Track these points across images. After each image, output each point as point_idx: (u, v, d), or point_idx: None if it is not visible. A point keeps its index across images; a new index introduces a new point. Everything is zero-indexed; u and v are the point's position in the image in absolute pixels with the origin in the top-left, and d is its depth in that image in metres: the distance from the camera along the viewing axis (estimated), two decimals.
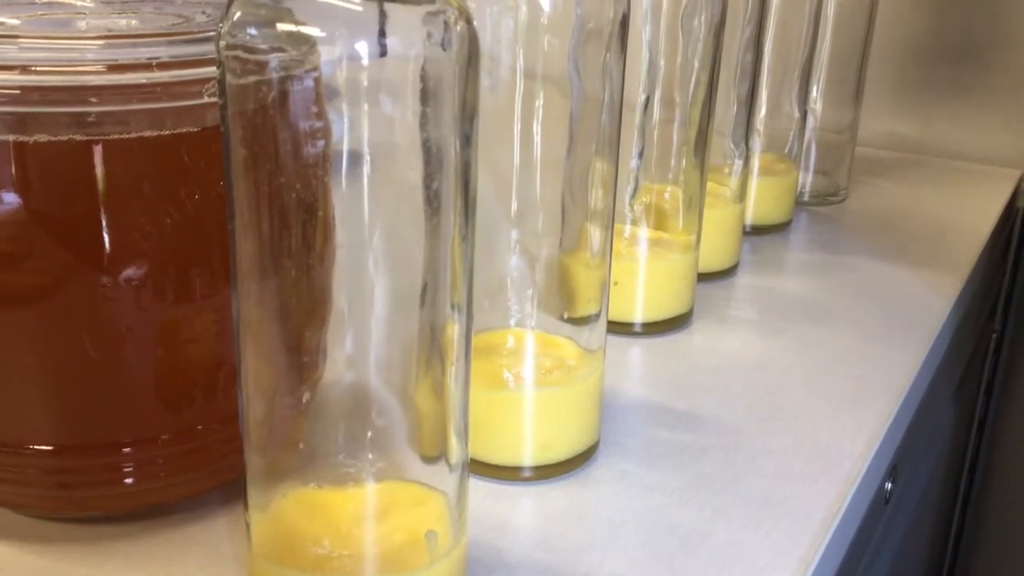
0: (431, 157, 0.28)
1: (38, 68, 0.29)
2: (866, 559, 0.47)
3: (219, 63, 0.27)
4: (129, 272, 0.32)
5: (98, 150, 0.30)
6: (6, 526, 0.35)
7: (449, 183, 0.28)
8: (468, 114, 0.28)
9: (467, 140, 0.28)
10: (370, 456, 0.30)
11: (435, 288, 0.29)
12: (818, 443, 0.43)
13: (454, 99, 0.27)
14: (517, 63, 0.37)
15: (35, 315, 0.32)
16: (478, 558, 0.34)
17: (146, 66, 0.30)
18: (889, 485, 0.48)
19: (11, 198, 0.31)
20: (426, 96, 0.27)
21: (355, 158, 0.27)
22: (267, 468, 0.30)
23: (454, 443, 0.31)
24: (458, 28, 0.27)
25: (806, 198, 0.76)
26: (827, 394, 0.47)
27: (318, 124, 0.27)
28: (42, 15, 0.34)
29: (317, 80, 0.26)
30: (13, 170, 0.30)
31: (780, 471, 0.40)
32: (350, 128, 0.27)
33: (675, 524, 0.37)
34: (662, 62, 0.51)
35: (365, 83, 0.26)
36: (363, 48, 0.26)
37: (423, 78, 0.27)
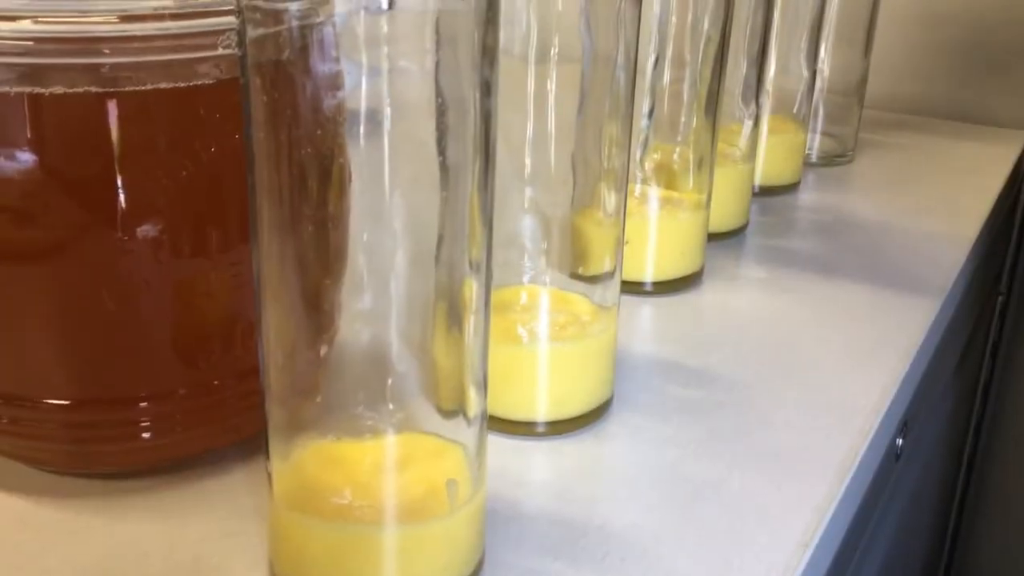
0: (449, 106, 0.28)
1: (47, 18, 0.29)
2: (877, 514, 0.48)
3: (239, 11, 0.26)
4: (146, 226, 0.32)
5: (113, 103, 0.30)
6: (24, 481, 0.35)
7: (468, 133, 0.28)
8: (488, 60, 0.27)
9: (487, 88, 0.28)
10: (389, 407, 0.30)
11: (453, 239, 0.29)
12: (830, 398, 0.43)
13: (473, 45, 0.27)
14: (529, 20, 0.37)
15: (52, 270, 0.32)
16: (496, 510, 0.34)
17: (158, 16, 0.30)
18: (900, 441, 0.48)
19: (27, 154, 0.30)
20: (443, 43, 0.27)
21: (372, 109, 0.27)
22: (287, 420, 0.30)
23: (472, 395, 0.31)
24: None
25: (813, 159, 0.76)
26: (838, 350, 0.47)
27: (336, 74, 0.27)
28: None
29: (333, 30, 0.26)
30: (29, 124, 0.30)
31: (793, 425, 0.41)
32: (367, 79, 0.27)
33: (689, 476, 0.37)
34: (673, 20, 0.51)
35: (382, 32, 0.26)
36: None
37: (440, 25, 0.27)
